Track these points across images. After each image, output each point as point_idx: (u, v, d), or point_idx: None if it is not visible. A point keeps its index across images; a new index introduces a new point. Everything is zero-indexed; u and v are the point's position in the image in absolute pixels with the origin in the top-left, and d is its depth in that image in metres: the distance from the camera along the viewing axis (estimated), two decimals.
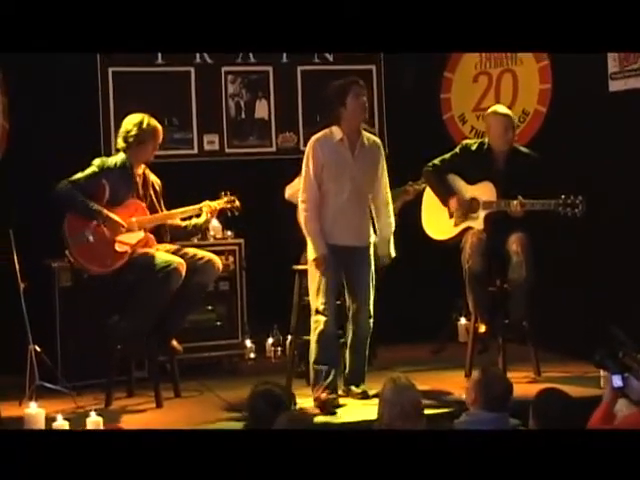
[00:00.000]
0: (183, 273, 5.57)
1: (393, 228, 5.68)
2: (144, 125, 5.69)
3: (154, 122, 5.75)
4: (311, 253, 5.42)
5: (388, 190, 5.66)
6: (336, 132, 5.45)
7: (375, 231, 5.56)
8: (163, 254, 5.66)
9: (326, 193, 5.43)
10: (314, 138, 5.51)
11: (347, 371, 5.61)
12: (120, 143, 5.76)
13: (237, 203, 5.95)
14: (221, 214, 6.08)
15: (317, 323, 5.40)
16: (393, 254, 5.70)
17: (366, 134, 5.55)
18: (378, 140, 5.65)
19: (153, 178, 5.90)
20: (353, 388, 5.56)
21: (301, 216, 5.47)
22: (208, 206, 5.87)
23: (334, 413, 5.26)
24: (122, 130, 5.75)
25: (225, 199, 5.95)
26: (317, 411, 5.25)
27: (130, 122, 5.73)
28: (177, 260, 5.60)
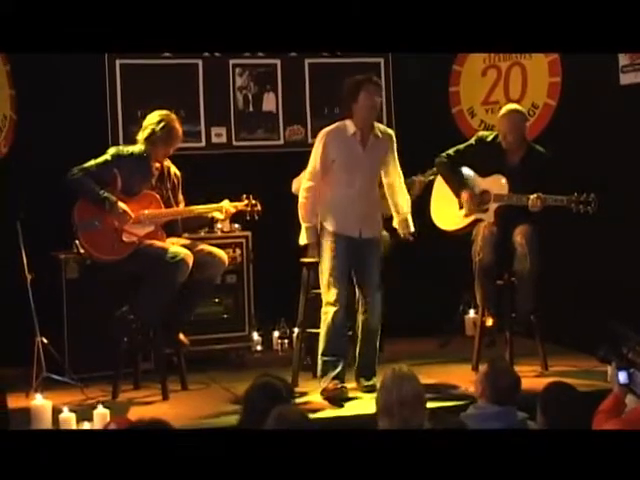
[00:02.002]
0: (190, 265, 5.57)
1: (410, 204, 5.72)
2: (167, 127, 5.70)
3: (177, 126, 5.76)
4: (303, 239, 5.47)
5: (401, 173, 5.70)
6: (349, 126, 5.49)
7: (397, 210, 5.66)
8: (170, 246, 5.66)
9: (337, 184, 5.49)
10: (326, 130, 5.54)
11: (357, 364, 5.61)
12: (140, 135, 5.76)
13: (259, 207, 5.93)
14: (240, 216, 6.06)
15: (326, 314, 5.42)
16: (412, 229, 5.69)
17: (378, 126, 5.59)
18: (390, 130, 5.70)
19: (174, 170, 5.90)
20: (362, 380, 5.55)
21: (300, 201, 5.50)
22: (227, 208, 5.82)
23: (342, 406, 5.26)
24: (145, 124, 5.76)
25: (246, 202, 5.92)
26: (324, 404, 5.25)
27: (153, 119, 5.74)
28: (184, 252, 5.60)
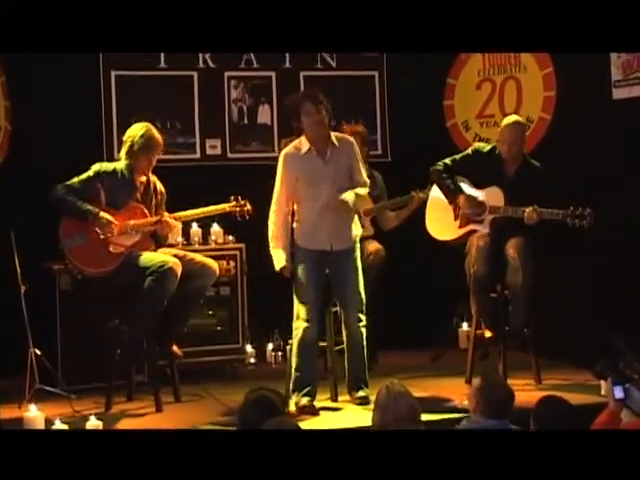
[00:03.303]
0: (179, 273, 5.57)
1: (365, 192, 5.57)
2: (145, 137, 5.72)
3: (156, 134, 5.78)
4: (277, 264, 5.45)
5: (366, 181, 5.60)
6: (303, 143, 5.49)
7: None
8: (158, 255, 5.68)
9: (304, 200, 5.49)
10: (284, 152, 5.56)
11: (347, 377, 5.62)
12: (122, 150, 5.79)
13: (248, 206, 5.93)
14: (229, 218, 6.05)
15: (297, 330, 5.45)
16: (349, 201, 5.40)
17: (335, 135, 5.54)
18: (349, 138, 5.64)
19: (159, 187, 5.90)
20: (354, 393, 5.56)
21: (269, 228, 5.50)
22: (165, 220, 5.74)
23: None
24: (125, 138, 5.79)
25: (234, 203, 5.93)
26: (317, 416, 5.29)
27: (133, 132, 5.76)
28: (172, 260, 5.60)
